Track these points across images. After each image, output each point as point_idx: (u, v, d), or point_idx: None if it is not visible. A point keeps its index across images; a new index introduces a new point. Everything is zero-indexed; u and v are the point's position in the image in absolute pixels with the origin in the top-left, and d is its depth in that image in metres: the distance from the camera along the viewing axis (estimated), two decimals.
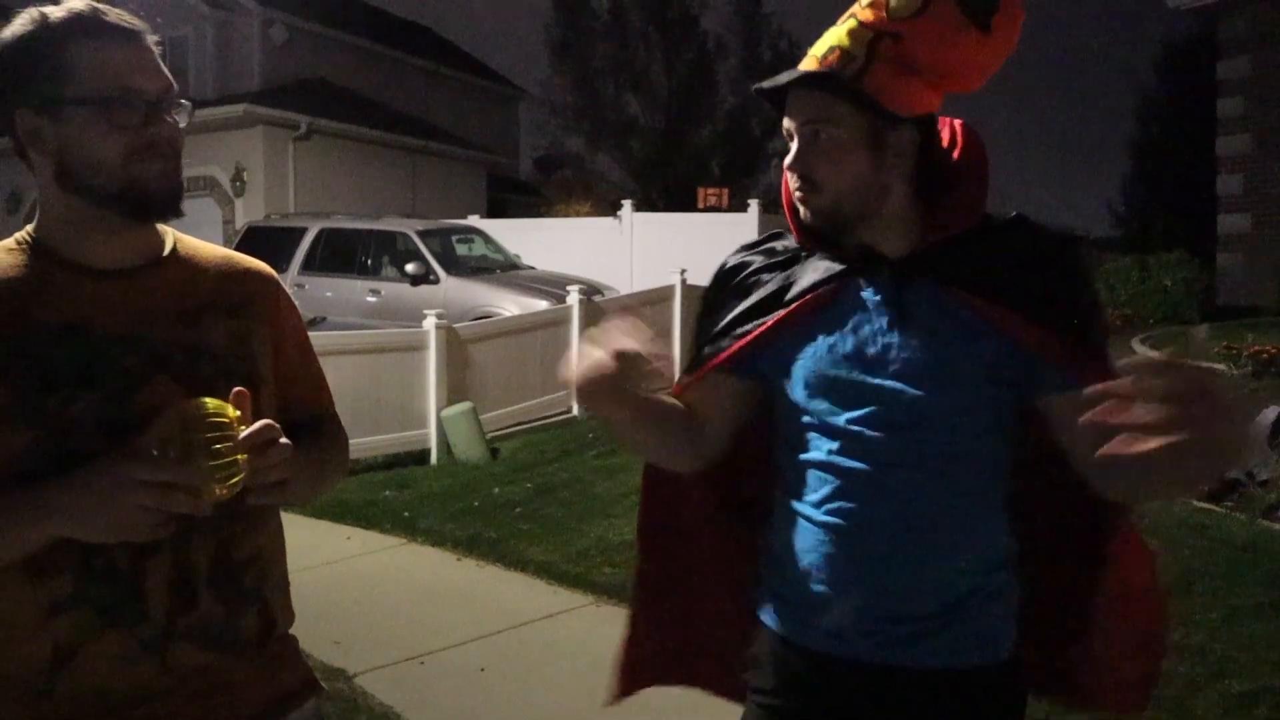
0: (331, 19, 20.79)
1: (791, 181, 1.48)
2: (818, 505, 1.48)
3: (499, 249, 13.83)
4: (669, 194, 27.76)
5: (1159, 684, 1.62)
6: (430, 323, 8.46)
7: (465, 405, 8.25)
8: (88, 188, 1.30)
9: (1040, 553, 1.53)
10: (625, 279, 14.11)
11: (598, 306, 10.31)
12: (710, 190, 19.29)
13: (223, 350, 1.38)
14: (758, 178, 30.33)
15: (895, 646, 1.44)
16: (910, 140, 1.43)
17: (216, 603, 1.34)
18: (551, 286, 11.47)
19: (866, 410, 1.44)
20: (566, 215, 22.12)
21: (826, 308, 1.49)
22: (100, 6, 1.31)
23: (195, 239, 1.49)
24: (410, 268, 12.19)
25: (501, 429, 8.98)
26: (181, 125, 1.35)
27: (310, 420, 1.52)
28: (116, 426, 1.26)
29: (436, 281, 12.11)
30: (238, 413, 1.24)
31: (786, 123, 1.47)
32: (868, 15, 1.40)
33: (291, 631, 1.50)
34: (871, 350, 1.45)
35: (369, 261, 12.90)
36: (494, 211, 20.33)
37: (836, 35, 1.42)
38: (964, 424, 1.42)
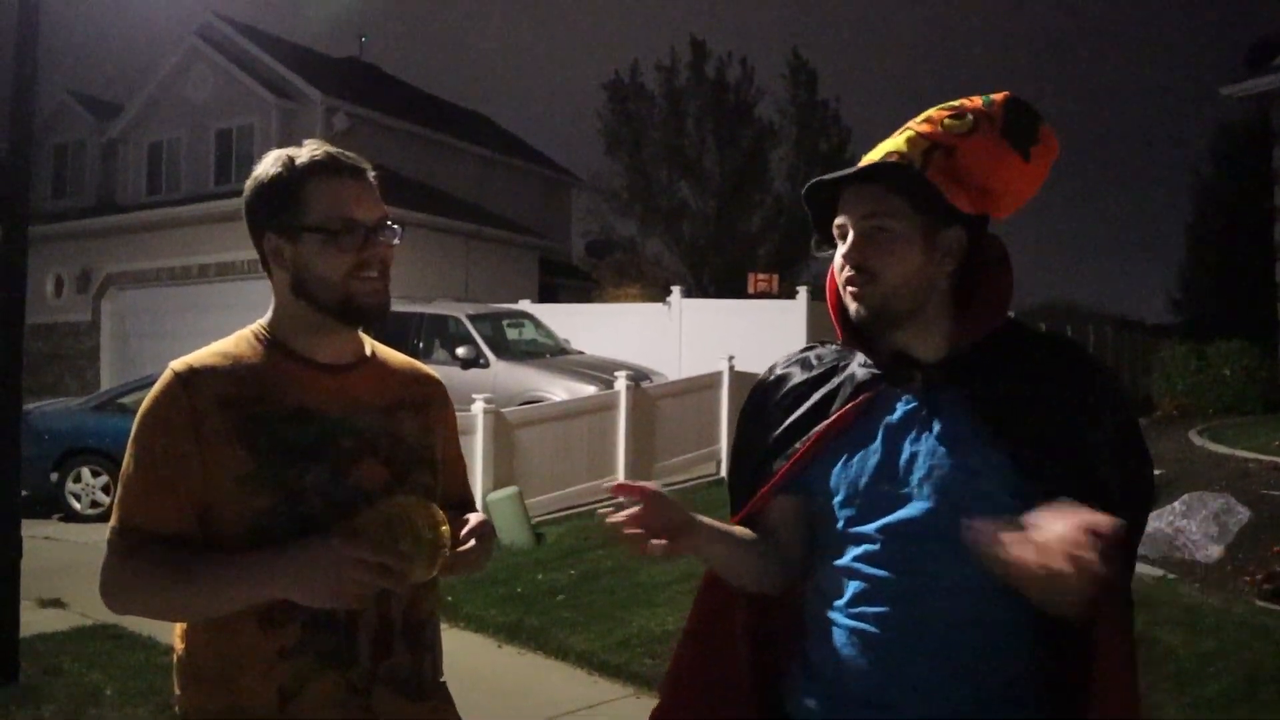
0: (392, 108, 21.44)
1: (843, 274, 1.51)
2: (843, 609, 1.50)
3: (549, 333, 13.98)
4: (719, 278, 27.94)
5: None
6: (478, 407, 8.53)
7: (511, 490, 8.25)
8: (314, 297, 1.57)
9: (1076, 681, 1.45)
10: (674, 364, 14.15)
11: (645, 392, 10.34)
12: (760, 276, 19.35)
13: (413, 440, 1.65)
14: (808, 263, 30.41)
15: None
16: (958, 242, 1.48)
17: (406, 652, 1.60)
18: (599, 371, 11.54)
19: (891, 518, 1.46)
20: (617, 299, 22.32)
21: (861, 417, 1.53)
22: (335, 150, 1.58)
23: (385, 346, 1.75)
24: (461, 351, 12.36)
25: (547, 514, 8.96)
26: (394, 244, 1.61)
27: (459, 503, 1.77)
28: (335, 498, 1.52)
29: (487, 365, 12.25)
30: (444, 514, 1.50)
31: (840, 220, 1.51)
32: (924, 128, 1.48)
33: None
34: (900, 459, 1.48)
35: (420, 344, 13.08)
36: (545, 295, 20.58)
37: (894, 143, 1.49)
38: None
